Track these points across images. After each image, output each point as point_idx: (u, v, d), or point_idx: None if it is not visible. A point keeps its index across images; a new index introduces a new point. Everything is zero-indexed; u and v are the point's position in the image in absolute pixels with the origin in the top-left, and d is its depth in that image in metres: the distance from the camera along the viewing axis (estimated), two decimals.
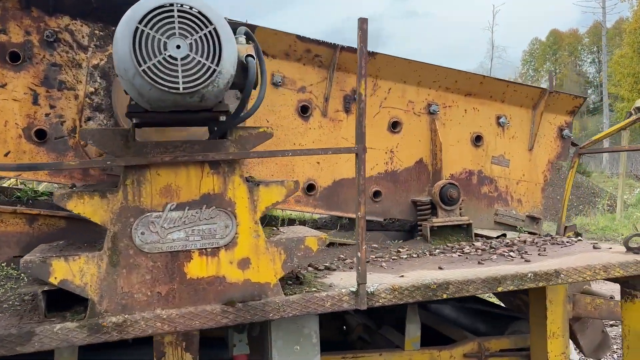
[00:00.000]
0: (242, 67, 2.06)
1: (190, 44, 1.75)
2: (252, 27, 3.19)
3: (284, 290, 2.36)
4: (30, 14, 2.91)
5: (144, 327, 2.09)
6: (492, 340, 3.78)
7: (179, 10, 1.73)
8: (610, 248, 3.20)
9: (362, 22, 2.31)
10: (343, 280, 2.54)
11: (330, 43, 3.35)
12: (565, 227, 3.89)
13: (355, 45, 2.90)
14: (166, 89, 1.73)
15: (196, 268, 2.18)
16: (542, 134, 3.95)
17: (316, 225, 3.66)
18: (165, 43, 1.72)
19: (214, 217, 2.19)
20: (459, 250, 3.18)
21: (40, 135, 2.93)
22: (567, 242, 3.43)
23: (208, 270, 2.19)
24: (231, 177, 2.21)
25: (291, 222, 3.74)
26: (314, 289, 2.38)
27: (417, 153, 3.66)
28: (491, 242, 3.40)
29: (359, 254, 2.33)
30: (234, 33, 2.13)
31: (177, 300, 2.15)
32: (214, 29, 1.76)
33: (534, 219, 3.89)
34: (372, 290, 2.41)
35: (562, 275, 2.72)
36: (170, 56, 1.72)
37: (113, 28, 3.03)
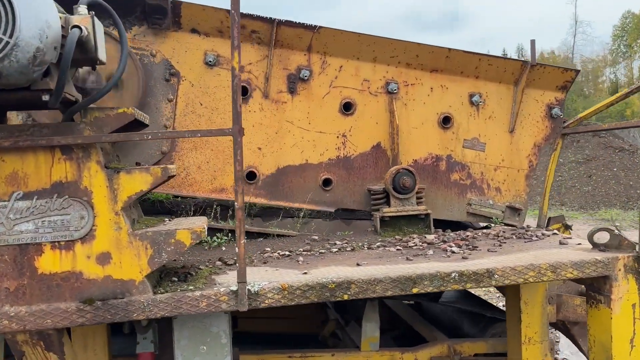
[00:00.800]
0: (80, 43, 1.85)
1: None
2: (177, 3, 2.98)
3: (160, 286, 2.16)
4: None
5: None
6: (465, 343, 3.42)
7: None
8: (580, 244, 2.72)
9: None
10: (253, 277, 2.28)
11: (267, 17, 3.07)
12: (550, 219, 3.41)
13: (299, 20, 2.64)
14: None
15: (48, 263, 2.01)
16: (527, 114, 3.47)
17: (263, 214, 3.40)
18: None
19: (66, 207, 2.01)
20: (401, 244, 2.82)
21: None
22: (539, 235, 2.97)
23: (62, 266, 2.02)
24: (87, 164, 2.02)
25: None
26: (191, 288, 2.15)
27: (373, 137, 3.31)
28: (445, 235, 3.01)
29: (236, 249, 2.07)
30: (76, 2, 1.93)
31: (28, 297, 2.00)
32: (9, 10, 1.56)
33: (515, 210, 3.43)
34: (256, 289, 2.14)
35: (496, 275, 2.32)
36: None
37: None
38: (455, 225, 3.51)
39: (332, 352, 3.34)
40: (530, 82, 3.39)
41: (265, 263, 2.56)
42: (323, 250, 2.75)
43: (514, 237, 2.99)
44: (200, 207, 3.14)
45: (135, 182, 2.07)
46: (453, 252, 2.62)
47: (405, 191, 3.13)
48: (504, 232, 3.14)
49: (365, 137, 3.30)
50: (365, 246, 2.84)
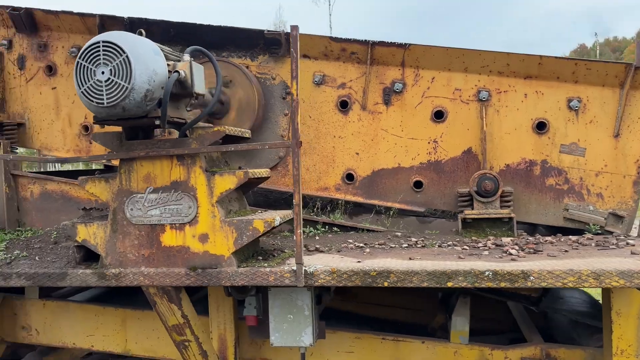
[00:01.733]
0: (180, 82, 2.59)
1: (111, 69, 2.38)
2: (287, 34, 3.62)
3: (245, 262, 2.81)
4: None
5: (131, 279, 2.83)
6: (561, 349, 3.42)
7: (103, 45, 2.37)
8: None
9: (293, 29, 2.57)
10: (315, 261, 2.81)
11: (363, 40, 3.53)
12: None
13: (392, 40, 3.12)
14: (95, 103, 2.40)
15: (168, 239, 2.81)
16: (637, 117, 3.29)
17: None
18: (94, 71, 2.38)
19: (180, 199, 2.78)
20: (471, 244, 3.04)
21: None
22: (619, 245, 2.89)
23: (176, 241, 2.80)
24: (193, 168, 2.76)
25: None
26: (265, 265, 2.76)
27: (464, 142, 3.52)
28: (522, 240, 3.10)
29: (294, 238, 2.62)
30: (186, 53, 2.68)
31: (155, 262, 2.82)
32: (127, 56, 2.35)
33: (618, 217, 3.30)
34: (311, 270, 2.66)
35: (531, 277, 2.45)
36: (97, 80, 2.38)
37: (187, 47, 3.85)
38: (571, 232, 3.47)
39: (423, 340, 3.65)
40: (638, 84, 3.23)
41: (339, 252, 3.05)
42: (394, 245, 3.12)
43: (593, 244, 2.95)
44: (309, 203, 3.74)
45: (225, 182, 2.75)
46: (510, 254, 2.77)
47: (488, 194, 3.30)
48: (590, 239, 3.10)
49: (456, 142, 3.53)
50: (437, 244, 3.12)
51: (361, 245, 3.15)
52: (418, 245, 3.11)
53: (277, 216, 2.79)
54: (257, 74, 3.75)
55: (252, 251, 2.99)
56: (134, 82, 2.36)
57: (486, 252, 2.82)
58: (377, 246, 3.13)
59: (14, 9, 4.03)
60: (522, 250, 2.83)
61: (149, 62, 2.41)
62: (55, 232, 3.64)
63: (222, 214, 2.77)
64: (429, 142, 3.56)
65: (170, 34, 3.84)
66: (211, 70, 2.92)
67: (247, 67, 3.75)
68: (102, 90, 2.38)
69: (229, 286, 2.94)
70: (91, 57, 2.39)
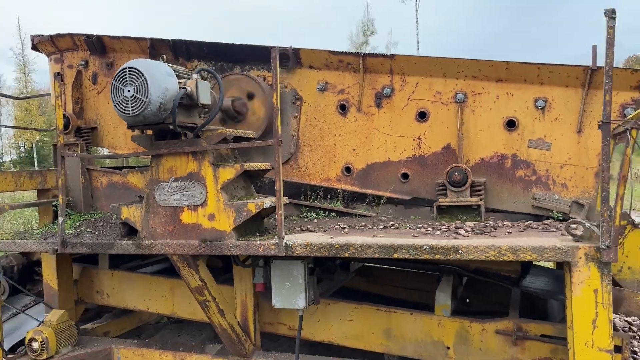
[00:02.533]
0: (188, 95, 3.36)
1: (134, 88, 3.19)
2: (296, 50, 4.30)
3: (245, 237, 3.54)
4: (178, 60, 4.79)
5: (159, 248, 3.65)
6: (532, 323, 3.85)
7: (129, 70, 3.19)
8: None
9: (273, 51, 3.25)
10: (298, 237, 3.48)
11: (355, 52, 4.13)
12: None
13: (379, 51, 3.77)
14: (124, 114, 3.22)
15: (186, 217, 3.60)
16: (597, 114, 3.63)
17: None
18: (122, 89, 3.21)
19: (194, 186, 3.56)
20: (435, 226, 3.55)
21: None
22: (558, 227, 3.29)
23: (192, 219, 3.58)
24: (203, 162, 3.53)
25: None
26: (258, 239, 3.47)
27: (444, 139, 4.01)
28: (482, 224, 3.56)
29: (277, 217, 3.31)
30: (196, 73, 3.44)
31: (177, 235, 3.63)
32: (145, 78, 3.15)
33: (580, 205, 3.65)
34: (290, 243, 3.33)
35: (460, 251, 2.96)
36: (124, 97, 3.21)
37: (220, 64, 4.65)
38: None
39: (411, 312, 4.19)
40: (599, 84, 3.57)
41: (325, 231, 3.68)
42: (372, 227, 3.71)
43: (540, 228, 3.37)
44: (314, 192, 4.40)
45: (226, 173, 3.49)
46: (459, 234, 3.27)
47: (458, 185, 3.78)
48: (545, 224, 3.50)
49: (437, 139, 4.03)
50: (409, 227, 3.67)
51: (345, 226, 3.77)
52: (392, 227, 3.68)
53: (267, 200, 3.49)
54: (271, 82, 4.46)
55: (254, 229, 3.71)
56: (150, 97, 3.15)
57: (438, 232, 3.34)
58: (357, 227, 3.74)
59: (88, 36, 5.04)
60: (473, 231, 3.32)
61: (162, 82, 3.20)
62: (115, 215, 4.58)
63: (226, 198, 3.51)
64: (414, 139, 4.09)
65: (203, 52, 4.66)
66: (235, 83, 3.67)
67: (265, 78, 4.48)
68: (128, 104, 3.20)
69: (234, 256, 3.69)
70: (121, 79, 3.22)
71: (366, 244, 3.16)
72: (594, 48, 3.53)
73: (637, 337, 5.61)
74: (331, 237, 3.38)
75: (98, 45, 5.03)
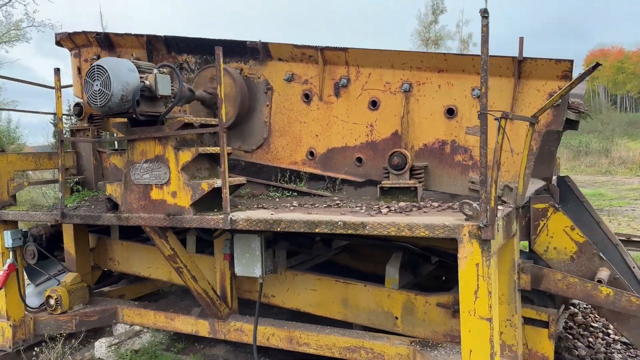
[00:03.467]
0: (148, 88, 3.88)
1: (100, 83, 3.75)
2: (265, 44, 4.72)
3: (202, 212, 4.05)
4: (171, 54, 5.35)
5: (134, 220, 4.24)
6: None
7: (97, 68, 3.75)
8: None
9: (217, 50, 3.70)
10: (244, 213, 3.94)
11: (314, 46, 4.50)
12: (531, 198, 3.76)
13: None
14: (94, 105, 3.80)
15: (154, 194, 4.16)
16: (528, 103, 3.81)
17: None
18: (92, 84, 3.78)
19: (160, 167, 4.10)
20: (371, 206, 3.90)
21: None
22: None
23: (159, 196, 4.14)
24: (167, 146, 4.06)
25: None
26: (212, 215, 3.96)
27: (393, 126, 4.31)
28: (408, 204, 3.87)
29: (223, 195, 3.79)
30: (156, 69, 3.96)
31: (148, 209, 4.20)
32: (108, 75, 3.70)
33: (511, 189, 3.87)
34: (234, 219, 3.81)
35: (367, 227, 3.32)
36: (93, 90, 3.78)
37: (204, 57, 5.16)
38: None
39: (365, 284, 4.57)
40: (529, 73, 3.76)
41: (276, 209, 4.12)
42: (318, 205, 4.10)
43: (457, 208, 3.64)
44: (283, 174, 4.83)
45: (185, 156, 4.00)
46: (380, 212, 3.62)
47: (398, 168, 4.10)
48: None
49: (386, 126, 4.34)
50: (350, 206, 4.03)
51: (295, 205, 4.19)
52: (335, 206, 4.06)
53: (218, 180, 3.98)
54: (248, 74, 4.92)
55: (214, 206, 4.21)
56: (113, 90, 3.71)
57: (362, 210, 3.69)
58: (305, 206, 4.15)
59: (97, 34, 5.69)
60: (395, 211, 3.65)
61: (123, 77, 3.74)
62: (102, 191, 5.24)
63: (186, 178, 4.03)
64: (367, 126, 4.43)
65: (190, 47, 5.18)
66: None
67: (241, 70, 4.94)
68: (96, 97, 3.77)
69: (204, 229, 4.23)
70: (91, 75, 3.79)
71: (294, 220, 3.58)
72: (521, 40, 3.72)
73: None
74: (272, 214, 3.82)
75: (106, 41, 5.68)
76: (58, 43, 6.16)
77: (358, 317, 4.60)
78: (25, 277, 5.80)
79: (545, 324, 3.87)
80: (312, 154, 4.70)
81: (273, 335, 4.62)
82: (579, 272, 3.76)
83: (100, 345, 5.15)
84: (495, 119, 2.93)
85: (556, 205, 3.73)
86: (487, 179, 2.94)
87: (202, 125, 4.20)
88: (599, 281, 3.53)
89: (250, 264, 4.34)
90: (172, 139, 4.05)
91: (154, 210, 4.16)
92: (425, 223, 3.16)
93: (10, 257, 5.19)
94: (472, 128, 4.02)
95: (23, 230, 5.49)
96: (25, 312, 5.37)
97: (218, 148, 4.16)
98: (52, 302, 5.34)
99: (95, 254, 6.10)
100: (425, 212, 3.59)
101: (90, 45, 5.89)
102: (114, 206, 4.48)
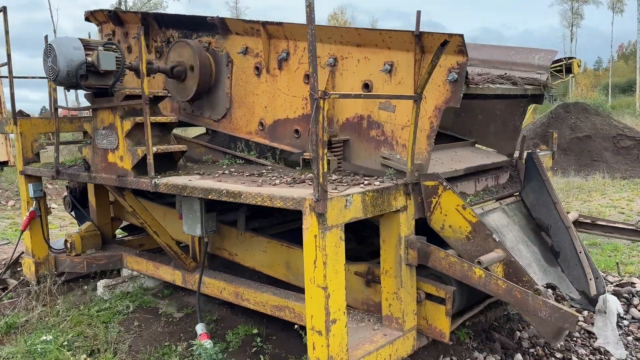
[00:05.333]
0: (92, 64, 4.40)
1: (51, 59, 4.34)
2: (222, 19, 5.02)
3: (143, 176, 4.56)
4: (161, 29, 5.84)
5: (99, 180, 4.88)
6: (377, 268, 4.25)
7: (48, 46, 4.35)
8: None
9: (140, 29, 4.10)
10: (167, 179, 4.38)
11: (256, 20, 4.70)
12: (421, 175, 3.73)
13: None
14: (49, 79, 4.41)
15: (110, 157, 4.74)
16: (430, 78, 3.73)
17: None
18: (47, 60, 4.39)
19: (112, 134, 4.66)
20: (289, 176, 4.11)
21: None
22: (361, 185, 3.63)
23: (112, 159, 4.71)
24: (116, 116, 4.59)
25: None
26: (146, 178, 4.45)
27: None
28: (301, 177, 4.01)
29: (148, 161, 4.25)
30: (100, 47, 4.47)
31: (106, 171, 4.80)
32: (55, 53, 4.27)
33: (414, 165, 3.85)
34: (158, 183, 4.26)
35: (242, 195, 3.59)
36: (47, 66, 4.38)
37: (184, 31, 5.59)
38: None
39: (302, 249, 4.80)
40: (430, 48, 3.67)
41: (209, 175, 4.49)
42: (248, 174, 4.39)
43: (346, 183, 3.73)
44: (241, 143, 5.17)
45: (126, 124, 4.50)
46: (275, 184, 3.84)
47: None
48: (366, 178, 3.84)
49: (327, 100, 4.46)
50: (269, 176, 4.27)
51: (226, 172, 4.53)
52: (255, 175, 4.33)
53: (154, 147, 4.43)
54: (214, 47, 5.26)
55: (167, 169, 4.67)
56: (59, 67, 4.28)
57: (277, 181, 3.91)
58: (233, 174, 4.46)
59: (109, 11, 6.36)
60: (287, 182, 3.84)
61: (68, 55, 4.29)
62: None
63: (129, 144, 4.54)
64: (303, 99, 4.58)
65: (172, 22, 5.63)
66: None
67: (209, 44, 5.30)
68: (49, 72, 4.38)
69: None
70: (45, 53, 4.40)
71: (195, 187, 3.94)
72: (418, 13, 3.62)
73: None
74: (190, 180, 4.21)
75: (116, 18, 6.32)
76: (87, 19, 6.95)
77: (297, 280, 4.87)
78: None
79: (443, 301, 3.87)
80: (262, 125, 4.96)
81: (225, 289, 5.07)
82: (476, 252, 3.68)
83: (100, 285, 5.99)
84: (315, 98, 3.00)
85: (445, 183, 3.66)
86: (317, 156, 3.05)
87: (129, 97, 4.59)
88: (479, 262, 3.46)
89: (193, 224, 4.80)
90: (119, 109, 4.56)
91: (110, 172, 4.75)
92: (280, 195, 3.35)
93: (34, 205, 6.15)
94: (384, 103, 4.03)
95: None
96: (49, 252, 6.37)
97: (158, 118, 4.61)
98: (68, 245, 6.27)
99: (115, 206, 6.95)
100: (309, 184, 3.74)
101: (108, 21, 6.59)
102: (89, 166, 5.16)
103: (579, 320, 3.06)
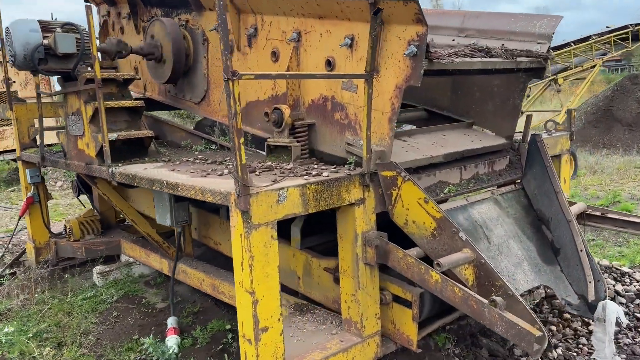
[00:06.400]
0: (49, 47, 4.19)
1: (9, 43, 4.17)
2: None
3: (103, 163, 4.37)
4: (147, 7, 5.59)
5: (72, 167, 4.74)
6: None
7: (5, 29, 4.18)
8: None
9: (87, 8, 3.85)
10: (123, 168, 4.13)
11: None
12: (380, 164, 3.29)
13: None
14: (10, 62, 4.26)
15: (79, 144, 4.57)
16: (390, 53, 3.24)
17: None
18: (6, 44, 4.23)
19: (78, 120, 4.48)
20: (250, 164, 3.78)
21: None
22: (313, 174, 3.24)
23: (81, 146, 4.54)
24: (81, 100, 4.39)
25: None
26: (106, 166, 4.24)
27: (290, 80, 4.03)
28: (278, 164, 3.65)
29: (104, 149, 4.04)
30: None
31: (77, 157, 4.64)
32: (11, 37, 4.10)
33: (376, 153, 3.40)
34: (114, 171, 4.04)
35: (179, 188, 3.29)
36: (7, 49, 4.23)
37: (165, 9, 5.31)
38: None
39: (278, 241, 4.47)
40: (389, 17, 3.18)
41: (173, 162, 4.23)
42: (210, 162, 4.09)
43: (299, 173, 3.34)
44: (219, 127, 4.87)
45: (89, 109, 4.30)
46: (223, 173, 3.51)
47: (276, 125, 3.86)
48: (322, 168, 3.44)
49: (285, 80, 4.06)
50: (226, 164, 3.96)
51: (191, 159, 4.25)
52: (217, 163, 4.02)
53: (114, 134, 4.21)
54: (191, 25, 4.95)
55: (137, 155, 4.46)
56: (15, 50, 4.11)
57: (226, 172, 3.58)
58: (195, 162, 4.17)
59: None
60: (230, 173, 3.48)
61: (23, 38, 4.11)
62: None
63: (93, 130, 4.34)
64: (270, 80, 4.20)
65: (151, 0, 5.36)
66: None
67: (187, 21, 4.99)
68: (8, 56, 4.23)
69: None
70: (5, 36, 4.24)
71: (143, 177, 3.69)
72: None
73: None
74: (145, 169, 3.97)
75: None
76: (86, 0, 6.81)
77: None
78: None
79: (410, 304, 3.45)
80: None
81: (204, 281, 4.84)
82: (443, 252, 3.22)
83: (95, 272, 5.94)
84: (225, 79, 2.62)
85: (404, 173, 3.20)
86: (235, 146, 2.69)
87: (90, 81, 4.35)
88: (438, 265, 3.01)
89: (163, 213, 4.56)
90: (83, 93, 4.36)
91: (80, 159, 4.59)
92: (210, 188, 3.03)
93: (31, 191, 6.15)
94: (346, 83, 3.58)
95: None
96: (50, 237, 6.38)
97: (124, 102, 4.38)
98: (67, 230, 6.26)
99: None
100: (257, 174, 3.39)
101: (103, 2, 6.42)
102: (65, 153, 5.03)
103: (542, 340, 2.56)
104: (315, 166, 3.56)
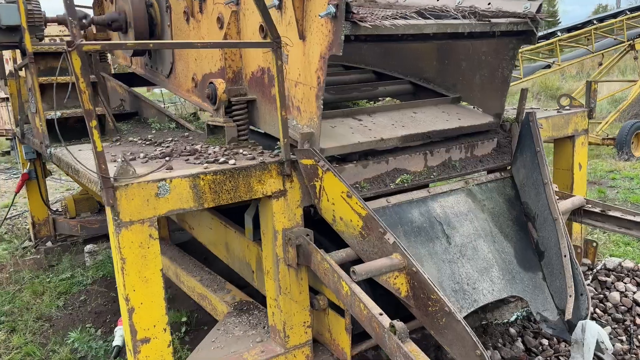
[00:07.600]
0: None
1: None
2: None
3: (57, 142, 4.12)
4: None
5: (36, 146, 4.54)
6: None
7: None
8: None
9: None
10: (61, 149, 3.83)
11: None
12: (300, 150, 2.76)
13: None
14: None
15: (37, 122, 4.35)
16: (314, 15, 2.69)
17: None
18: None
19: (33, 97, 4.24)
20: (167, 147, 3.40)
21: None
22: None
23: (37, 124, 4.32)
24: (33, 77, 4.15)
25: None
26: (45, 146, 3.99)
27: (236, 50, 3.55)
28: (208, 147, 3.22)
29: (41, 129, 3.78)
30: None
31: (36, 136, 4.43)
32: None
33: (304, 135, 2.88)
34: (53, 152, 3.77)
35: (80, 173, 2.95)
36: None
37: None
38: None
39: (235, 230, 4.08)
40: None
41: (119, 142, 3.91)
42: (149, 144, 3.73)
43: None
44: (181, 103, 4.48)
45: (35, 85, 4.04)
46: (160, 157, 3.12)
47: (211, 101, 3.41)
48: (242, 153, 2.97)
49: (232, 50, 3.59)
50: (180, 149, 3.55)
51: (137, 139, 3.90)
52: (156, 144, 3.65)
53: (58, 112, 3.93)
54: None
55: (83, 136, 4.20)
56: None
57: (149, 151, 3.21)
58: (140, 142, 3.82)
59: None
60: (174, 155, 3.10)
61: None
62: None
63: (45, 107, 4.09)
64: (219, 50, 3.73)
65: None
66: None
67: None
68: None
69: None
70: None
71: (60, 157, 3.39)
72: None
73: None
74: (79, 150, 3.66)
75: None
76: None
77: (234, 264, 4.19)
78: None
79: (343, 313, 2.95)
80: (194, 81, 4.21)
81: (169, 268, 4.59)
82: (374, 255, 2.69)
83: (85, 250, 5.84)
84: (66, 50, 2.18)
85: (322, 162, 2.66)
86: (90, 129, 2.28)
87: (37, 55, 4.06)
88: (353, 273, 2.48)
89: None
90: (31, 66, 4.11)
91: (38, 137, 4.38)
92: (94, 178, 2.65)
93: (27, 167, 6.11)
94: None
95: None
96: (49, 214, 6.36)
97: (67, 77, 4.08)
98: (62, 208, 6.20)
99: None
100: (186, 160, 2.97)
101: None
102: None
103: None
104: (243, 151, 3.09)
